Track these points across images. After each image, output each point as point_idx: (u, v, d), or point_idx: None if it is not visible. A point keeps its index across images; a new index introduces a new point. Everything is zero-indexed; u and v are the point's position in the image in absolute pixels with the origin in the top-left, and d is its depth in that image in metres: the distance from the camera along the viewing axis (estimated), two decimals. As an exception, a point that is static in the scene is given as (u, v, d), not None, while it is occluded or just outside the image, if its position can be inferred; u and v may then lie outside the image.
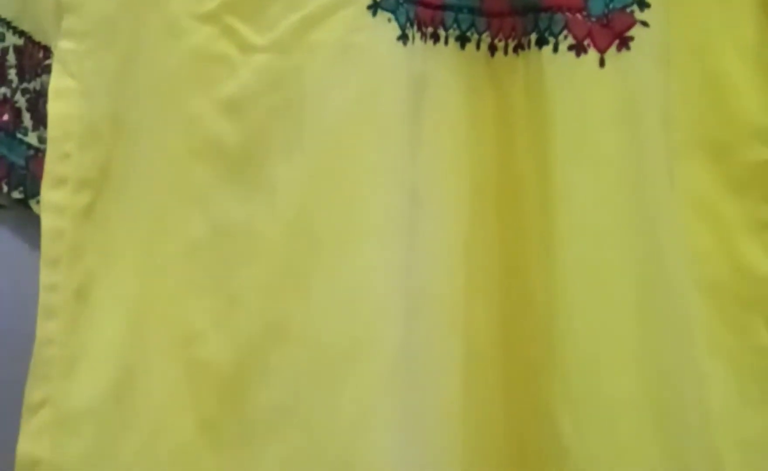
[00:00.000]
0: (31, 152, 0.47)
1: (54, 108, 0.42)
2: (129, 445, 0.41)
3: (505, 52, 0.43)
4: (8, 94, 0.47)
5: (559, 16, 0.42)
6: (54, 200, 0.42)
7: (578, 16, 0.42)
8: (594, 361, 0.42)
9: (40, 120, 0.46)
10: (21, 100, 0.47)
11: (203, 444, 0.42)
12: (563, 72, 0.42)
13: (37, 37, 0.46)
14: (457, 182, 0.44)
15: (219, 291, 0.42)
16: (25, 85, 0.47)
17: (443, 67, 0.43)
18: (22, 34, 0.47)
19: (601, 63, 0.42)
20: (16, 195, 0.47)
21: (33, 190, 0.46)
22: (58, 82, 0.42)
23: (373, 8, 0.42)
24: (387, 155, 0.42)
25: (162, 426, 0.42)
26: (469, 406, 0.43)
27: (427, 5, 0.43)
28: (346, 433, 0.41)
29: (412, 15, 0.42)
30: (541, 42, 0.42)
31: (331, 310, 0.41)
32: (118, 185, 0.43)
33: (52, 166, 0.42)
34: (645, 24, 0.42)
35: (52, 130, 0.41)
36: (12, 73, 0.47)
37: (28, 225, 0.46)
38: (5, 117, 0.47)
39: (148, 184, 0.43)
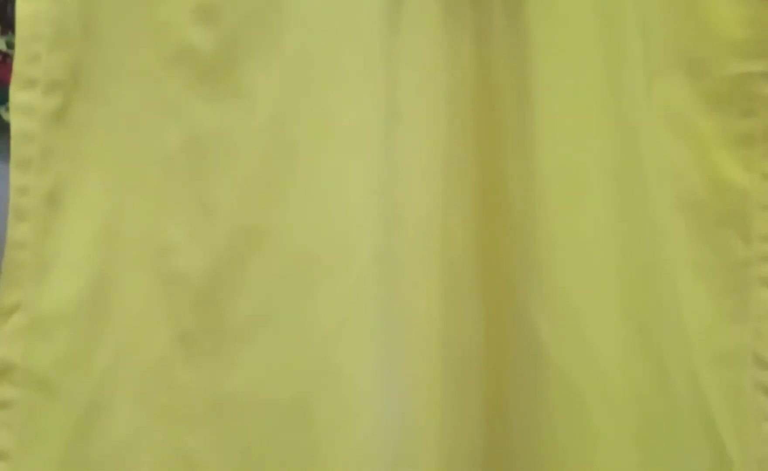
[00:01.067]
0: (-1, 58, 0.46)
1: (22, 8, 0.40)
2: (103, 355, 0.41)
3: None
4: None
5: None
6: (23, 101, 0.40)
7: None
8: (572, 268, 0.41)
9: (9, 24, 0.44)
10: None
11: (179, 356, 0.42)
12: None
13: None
14: (435, 96, 0.44)
15: (194, 201, 0.42)
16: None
17: None
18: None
19: None
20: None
21: (2, 97, 0.45)
22: None
23: None
24: (364, 65, 0.42)
25: (137, 337, 0.41)
26: (448, 317, 0.43)
27: None
28: (322, 341, 0.41)
29: None
30: None
31: (306, 218, 0.41)
32: (90, 91, 0.42)
33: (21, 68, 0.40)
34: None
35: (21, 29, 0.40)
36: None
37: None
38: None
39: (121, 92, 0.42)
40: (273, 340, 0.41)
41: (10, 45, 0.45)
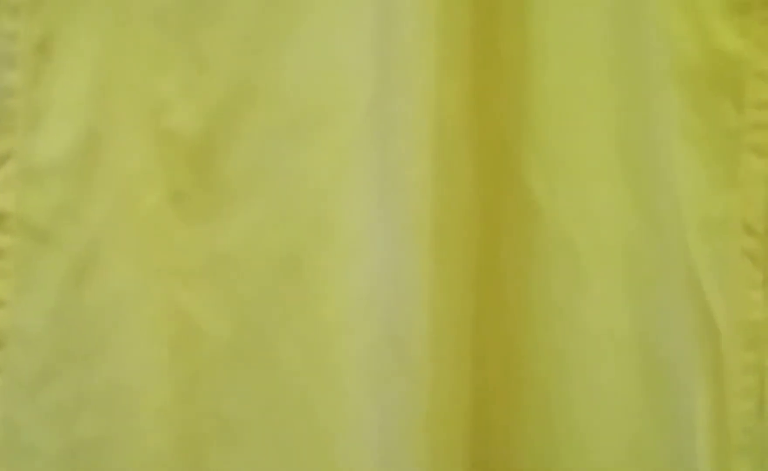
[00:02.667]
0: None
1: None
2: (97, 208, 0.40)
3: None
4: None
5: None
6: None
7: None
8: (566, 125, 0.42)
9: None
10: None
11: (174, 215, 0.41)
12: None
13: None
14: None
15: (187, 56, 0.41)
16: None
17: None
18: None
19: None
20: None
21: None
22: None
23: None
24: None
25: (131, 194, 0.41)
26: (441, 175, 0.43)
27: None
28: (316, 195, 0.41)
29: None
30: None
31: (301, 72, 0.41)
32: None
33: None
34: None
35: None
36: None
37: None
38: None
39: None
40: (267, 196, 0.41)
41: None
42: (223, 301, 0.41)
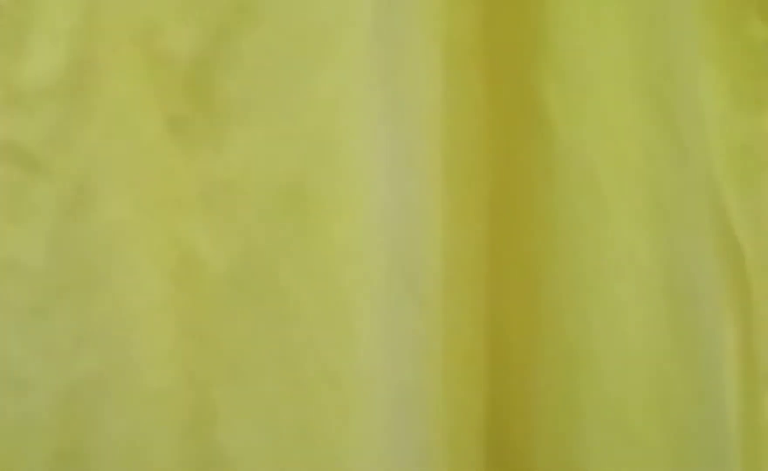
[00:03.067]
0: None
1: None
2: (90, 135, 0.38)
3: None
4: None
5: None
6: None
7: None
8: (586, 41, 0.40)
9: None
10: None
11: (170, 141, 0.39)
12: None
13: None
14: None
15: None
16: None
17: None
18: None
19: None
20: None
21: None
22: None
23: None
24: None
25: (125, 120, 0.39)
26: (451, 99, 0.41)
27: None
28: (322, 117, 0.38)
29: None
30: None
31: None
32: None
33: None
34: None
35: None
36: None
37: None
38: None
39: None
40: (269, 119, 0.39)
41: None
42: (224, 231, 0.39)
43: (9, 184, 0.38)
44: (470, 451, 0.42)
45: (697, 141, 0.41)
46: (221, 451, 0.38)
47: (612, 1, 0.40)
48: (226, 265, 0.39)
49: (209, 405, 0.39)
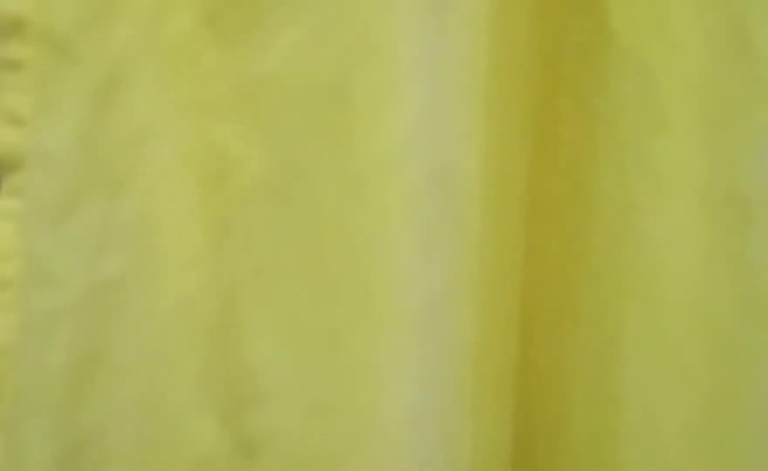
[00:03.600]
0: None
1: None
2: (124, 24, 0.37)
3: None
4: None
5: None
6: None
7: None
8: None
9: None
10: None
11: (207, 36, 0.38)
12: None
13: None
14: None
15: None
16: None
17: None
18: None
19: None
20: None
21: None
22: None
23: None
24: None
25: (159, 13, 0.37)
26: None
27: None
28: (366, 16, 0.37)
29: None
30: None
31: None
32: None
33: None
34: None
35: None
36: None
37: None
38: None
39: None
40: (310, 16, 0.37)
41: None
42: (258, 133, 0.37)
43: (39, 69, 0.36)
44: (499, 367, 0.41)
45: (764, 46, 0.38)
46: (245, 360, 0.37)
47: None
48: (260, 169, 0.38)
49: (235, 313, 0.38)
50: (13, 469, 0.36)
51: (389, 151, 0.37)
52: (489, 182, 0.39)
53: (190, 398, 0.37)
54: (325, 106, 0.37)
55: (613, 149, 0.39)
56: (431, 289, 0.38)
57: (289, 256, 0.38)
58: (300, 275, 0.38)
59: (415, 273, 0.38)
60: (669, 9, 0.38)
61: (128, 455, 0.37)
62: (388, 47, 0.37)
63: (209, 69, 0.38)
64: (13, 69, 0.36)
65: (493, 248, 0.39)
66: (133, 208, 0.37)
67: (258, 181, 0.38)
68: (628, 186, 0.39)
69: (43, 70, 0.36)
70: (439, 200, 0.38)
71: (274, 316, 0.38)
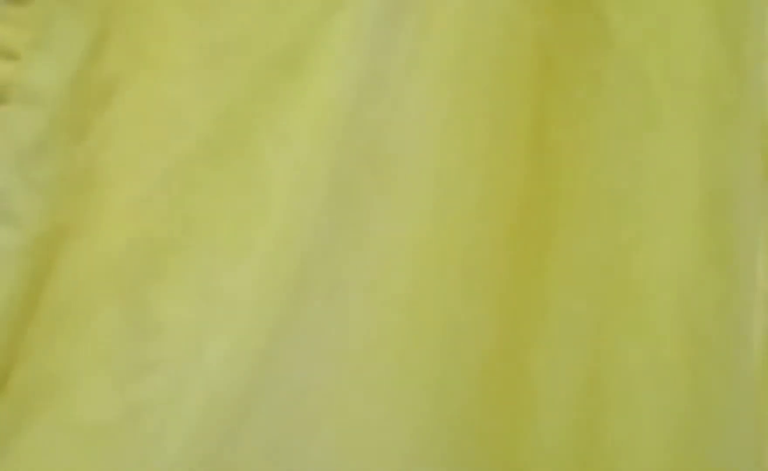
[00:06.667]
0: None
1: None
2: None
3: None
4: None
5: None
6: None
7: None
8: None
9: None
10: None
11: (177, 7, 0.38)
12: None
13: None
14: None
15: None
16: None
17: None
18: None
19: None
20: None
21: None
22: None
23: None
24: None
25: None
26: None
27: None
28: None
29: None
30: None
31: None
32: None
33: None
34: None
35: None
36: None
37: None
38: None
39: None
40: None
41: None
42: (216, 92, 0.38)
43: (42, 8, 0.37)
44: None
45: (754, 58, 0.39)
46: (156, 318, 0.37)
47: None
48: (207, 128, 0.38)
49: (156, 271, 0.37)
50: None
51: (321, 116, 0.37)
52: (456, 175, 0.38)
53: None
54: (278, 69, 0.37)
55: (606, 148, 0.39)
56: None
57: (221, 212, 0.37)
58: (230, 230, 0.37)
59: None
60: (668, 17, 0.39)
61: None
62: (339, 22, 0.37)
63: (176, 33, 0.38)
64: (17, 2, 0.37)
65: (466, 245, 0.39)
66: (89, 157, 0.37)
67: (203, 139, 0.38)
68: (620, 184, 0.39)
69: (46, 9, 0.37)
70: (369, 172, 0.38)
71: (195, 276, 0.37)
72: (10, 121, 0.38)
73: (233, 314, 0.36)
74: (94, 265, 0.37)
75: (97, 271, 0.37)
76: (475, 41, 0.38)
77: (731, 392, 0.37)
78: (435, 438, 0.37)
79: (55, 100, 0.38)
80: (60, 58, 0.37)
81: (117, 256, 0.37)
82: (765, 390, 0.39)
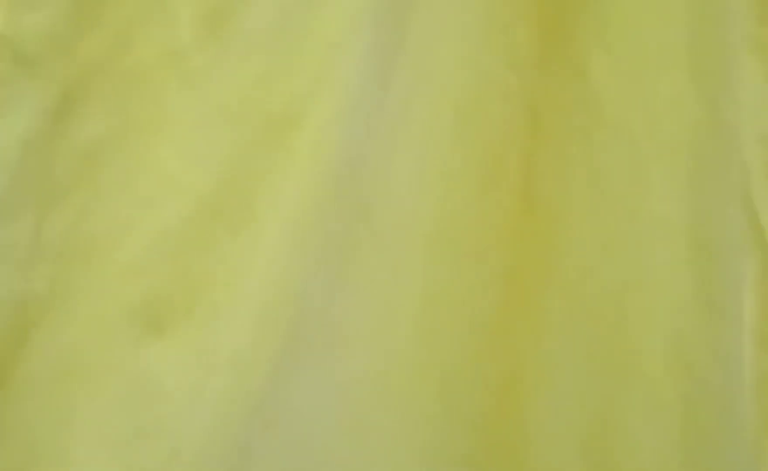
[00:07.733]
0: None
1: None
2: (88, 46, 0.39)
3: None
4: None
5: None
6: None
7: None
8: (637, 14, 0.40)
9: None
10: None
11: (170, 70, 0.39)
12: None
13: None
14: None
15: None
16: None
17: None
18: None
19: None
20: None
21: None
22: None
23: None
24: None
25: (126, 40, 0.39)
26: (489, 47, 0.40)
27: None
28: (323, 50, 0.39)
29: None
30: None
31: None
32: None
33: None
34: None
35: None
36: None
37: None
38: None
39: None
40: (271, 51, 0.39)
41: None
42: (207, 156, 0.39)
43: (2, 78, 0.38)
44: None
45: (733, 122, 0.40)
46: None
47: None
48: (203, 189, 0.39)
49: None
50: None
51: (315, 174, 0.38)
52: (448, 228, 0.39)
53: None
54: (273, 134, 0.38)
55: (596, 201, 0.40)
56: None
57: (222, 279, 0.38)
58: (221, 291, 0.38)
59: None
60: (649, 79, 0.40)
61: None
62: (342, 76, 0.38)
63: (168, 98, 0.39)
64: None
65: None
66: (70, 223, 0.38)
67: (200, 203, 0.38)
68: (610, 238, 0.40)
69: (5, 79, 0.38)
70: (364, 230, 0.38)
71: (194, 335, 0.38)
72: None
73: (230, 370, 0.37)
74: (85, 335, 0.37)
75: (91, 339, 0.37)
76: (465, 100, 0.39)
77: (728, 429, 0.38)
78: None
79: (18, 166, 0.38)
80: (20, 125, 0.38)
81: (114, 322, 0.37)
82: (759, 425, 0.40)
